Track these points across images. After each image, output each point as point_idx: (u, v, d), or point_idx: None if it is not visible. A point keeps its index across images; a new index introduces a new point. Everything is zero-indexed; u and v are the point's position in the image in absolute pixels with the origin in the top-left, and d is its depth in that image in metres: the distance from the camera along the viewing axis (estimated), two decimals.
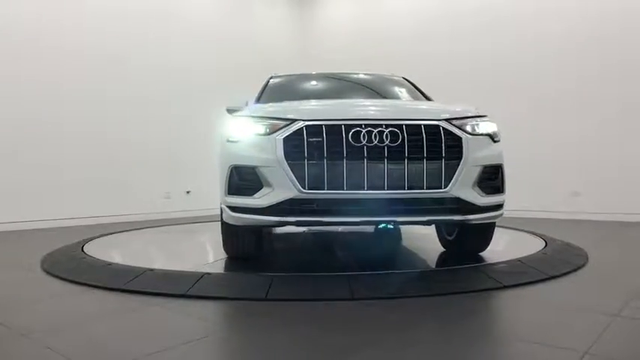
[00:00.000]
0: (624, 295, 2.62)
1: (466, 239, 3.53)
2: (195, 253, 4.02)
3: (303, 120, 2.84)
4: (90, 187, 6.36)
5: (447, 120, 2.89)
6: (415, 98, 4.10)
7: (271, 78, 4.64)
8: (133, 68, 6.98)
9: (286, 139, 2.81)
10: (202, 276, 2.88)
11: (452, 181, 2.79)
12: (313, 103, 3.58)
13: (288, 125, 2.85)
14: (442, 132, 2.83)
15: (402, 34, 8.30)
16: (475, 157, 2.88)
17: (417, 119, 2.87)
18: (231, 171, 2.96)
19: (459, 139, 2.85)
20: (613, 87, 6.48)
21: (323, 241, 4.62)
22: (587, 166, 6.63)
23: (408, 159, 2.76)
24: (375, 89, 4.31)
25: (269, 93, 4.22)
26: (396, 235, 4.85)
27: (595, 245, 4.22)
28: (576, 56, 6.76)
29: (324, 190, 2.76)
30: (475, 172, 2.87)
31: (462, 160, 2.82)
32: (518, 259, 3.31)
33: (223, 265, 3.45)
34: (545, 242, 4.06)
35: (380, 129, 2.77)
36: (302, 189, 2.76)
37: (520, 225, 5.43)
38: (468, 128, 2.94)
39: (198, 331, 2.11)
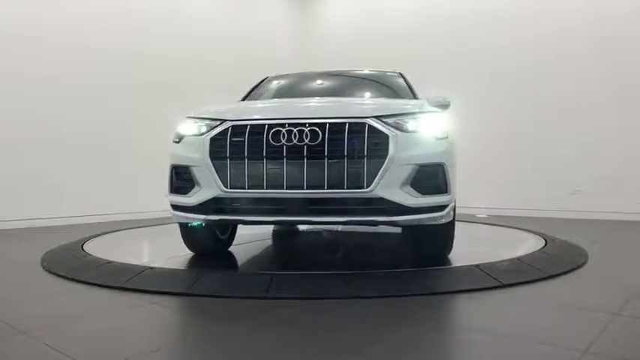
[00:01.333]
0: (624, 294, 2.62)
1: (420, 241, 3.34)
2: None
3: (230, 120, 2.91)
4: (91, 185, 6.36)
5: (376, 117, 2.78)
6: (398, 96, 3.97)
7: (265, 79, 4.69)
8: (132, 68, 6.97)
9: (212, 140, 2.88)
10: (199, 275, 2.88)
11: (375, 180, 2.67)
12: (259, 104, 3.55)
13: (217, 126, 2.92)
14: (367, 130, 2.72)
15: (401, 34, 8.29)
16: (406, 155, 2.72)
17: (341, 117, 2.79)
18: (171, 170, 3.09)
19: (386, 136, 2.71)
20: (612, 87, 6.48)
21: (330, 241, 4.62)
22: (587, 165, 6.63)
23: (328, 158, 2.70)
24: (356, 87, 4.30)
25: (257, 93, 4.33)
26: (390, 234, 4.85)
27: (595, 244, 4.22)
28: (576, 56, 6.75)
29: (245, 189, 2.79)
30: (405, 172, 2.71)
31: (387, 159, 2.68)
32: (518, 258, 3.31)
33: (221, 264, 3.45)
34: (545, 241, 4.06)
35: (300, 128, 2.74)
36: (225, 188, 2.81)
37: (520, 224, 5.44)
38: (402, 125, 2.80)
39: (193, 330, 2.11)
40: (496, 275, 2.87)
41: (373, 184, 2.67)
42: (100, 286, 2.86)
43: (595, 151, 6.60)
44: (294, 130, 2.73)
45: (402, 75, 4.34)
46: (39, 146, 6.06)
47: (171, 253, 3.77)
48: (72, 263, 3.39)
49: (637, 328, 2.12)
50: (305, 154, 2.71)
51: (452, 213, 3.00)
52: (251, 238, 4.40)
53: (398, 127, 2.78)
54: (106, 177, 6.51)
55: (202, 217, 2.94)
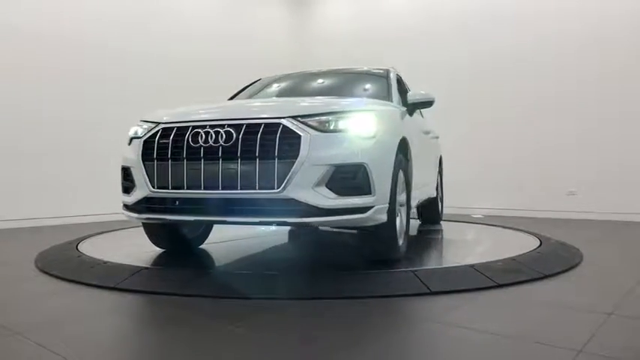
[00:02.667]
0: (618, 294, 2.63)
1: (361, 244, 3.26)
2: (192, 251, 4.00)
3: (162, 122, 3.02)
4: (87, 184, 6.34)
5: (293, 117, 2.75)
6: (372, 94, 3.92)
7: (258, 80, 4.76)
8: (131, 68, 6.96)
9: (145, 142, 3.01)
10: (193, 275, 2.87)
11: (285, 181, 2.64)
12: (197, 106, 3.45)
13: (152, 128, 3.04)
14: (280, 130, 2.70)
15: (400, 34, 8.31)
16: (320, 155, 2.66)
17: (258, 118, 2.80)
18: (120, 171, 3.23)
19: (298, 137, 2.68)
20: (612, 87, 6.51)
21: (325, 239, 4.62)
22: (584, 165, 6.66)
23: (241, 159, 2.72)
24: (336, 86, 4.29)
25: (243, 94, 4.44)
26: None
27: (590, 244, 4.24)
28: (576, 57, 6.79)
29: (169, 189, 2.89)
30: (319, 172, 2.65)
31: (298, 160, 2.64)
32: (513, 258, 3.32)
33: (220, 264, 3.45)
34: (540, 241, 4.07)
35: (217, 129, 2.80)
36: (152, 188, 2.93)
37: (515, 224, 5.46)
38: (321, 125, 2.74)
39: (188, 330, 2.10)
40: (491, 275, 2.87)
41: (283, 185, 2.65)
42: (94, 286, 2.85)
43: (591, 152, 6.63)
44: (211, 131, 2.80)
45: (388, 73, 4.23)
46: (36, 145, 6.03)
47: (166, 253, 3.77)
48: (66, 263, 3.37)
49: (631, 328, 2.13)
50: (220, 155, 2.76)
51: (383, 215, 2.85)
52: (247, 235, 4.41)
53: (315, 127, 2.73)
54: (102, 177, 6.48)
55: (136, 215, 3.10)
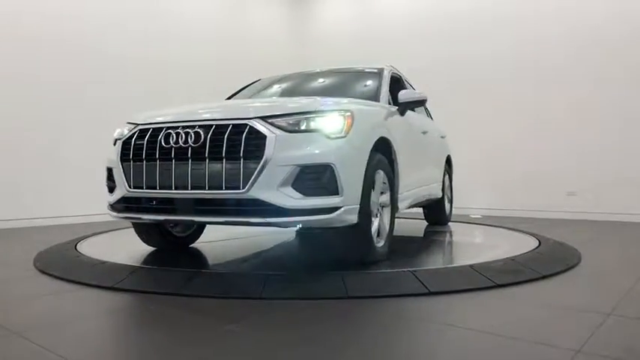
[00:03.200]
0: (617, 294, 2.63)
1: (335, 244, 3.21)
2: (190, 251, 4.00)
3: (140, 124, 3.10)
4: (86, 185, 6.33)
5: (261, 118, 2.77)
6: (359, 94, 3.91)
7: (257, 80, 4.79)
8: (131, 68, 6.96)
9: (124, 143, 3.10)
10: (192, 275, 2.87)
11: (250, 182, 2.65)
12: (174, 108, 3.46)
13: (132, 129, 3.13)
14: (247, 131, 2.72)
15: (399, 34, 8.32)
16: (286, 156, 2.66)
17: (227, 119, 2.83)
18: (106, 171, 3.31)
19: (264, 137, 2.68)
20: (611, 89, 6.52)
21: None
22: (583, 166, 6.67)
23: (209, 159, 2.76)
24: (329, 87, 4.32)
25: (240, 95, 4.50)
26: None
27: (589, 245, 4.24)
28: (575, 58, 6.79)
29: (143, 189, 2.97)
30: (284, 173, 2.65)
31: (263, 160, 2.65)
32: (512, 258, 3.32)
33: (219, 264, 3.45)
34: (539, 241, 4.07)
35: (187, 130, 2.84)
36: (129, 188, 3.03)
37: (514, 224, 5.46)
38: (288, 125, 2.75)
39: (186, 330, 2.10)
40: (490, 275, 2.87)
41: (248, 185, 2.66)
42: (93, 286, 2.84)
43: (590, 152, 6.64)
44: (182, 132, 2.85)
45: (381, 72, 4.18)
46: (35, 144, 6.03)
47: (165, 253, 3.77)
48: (65, 263, 3.37)
49: (630, 329, 2.13)
50: (189, 155, 2.80)
51: (353, 216, 2.81)
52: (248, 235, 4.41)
53: (283, 128, 2.74)
54: (101, 177, 6.46)
55: (115, 214, 3.22)
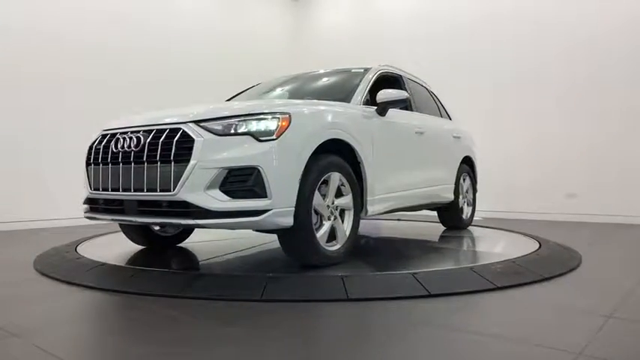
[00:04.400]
0: (618, 297, 2.63)
1: (282, 247, 3.17)
2: (190, 252, 4.01)
3: (104, 130, 3.32)
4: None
5: (195, 122, 2.85)
6: (335, 97, 3.83)
7: (258, 84, 4.82)
8: (130, 68, 6.97)
9: (89, 147, 3.33)
10: (192, 277, 2.87)
11: (179, 184, 2.73)
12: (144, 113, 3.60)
13: (99, 134, 3.34)
14: (180, 135, 2.81)
15: (399, 34, 8.33)
16: (214, 158, 2.73)
17: (164, 123, 2.94)
18: None
19: (192, 140, 2.77)
20: (612, 90, 6.52)
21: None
22: (584, 168, 6.67)
23: (147, 162, 2.89)
24: (314, 89, 4.32)
25: (237, 98, 4.55)
26: (385, 237, 4.86)
27: (589, 246, 4.24)
28: (576, 59, 6.79)
29: (100, 191, 3.18)
30: (210, 175, 2.72)
31: (190, 163, 2.73)
32: (512, 260, 3.32)
33: (219, 265, 3.44)
34: (540, 244, 4.07)
35: (131, 135, 3.01)
36: (90, 190, 3.28)
37: (514, 226, 5.45)
38: (220, 129, 2.81)
39: (187, 332, 2.10)
40: (490, 277, 2.87)
41: (177, 187, 2.74)
42: (93, 288, 2.84)
43: (592, 153, 6.64)
44: (127, 137, 3.02)
45: (365, 72, 4.12)
46: (36, 148, 6.04)
47: (165, 255, 3.77)
48: (65, 265, 3.37)
49: (631, 331, 2.13)
50: (132, 159, 2.97)
51: (285, 219, 2.81)
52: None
53: (214, 131, 2.80)
54: None
55: (83, 214, 3.41)
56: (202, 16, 8.10)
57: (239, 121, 2.83)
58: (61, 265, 3.38)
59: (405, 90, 4.47)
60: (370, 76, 4.06)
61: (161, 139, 2.86)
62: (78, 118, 6.35)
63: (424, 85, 5.25)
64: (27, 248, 4.28)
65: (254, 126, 2.82)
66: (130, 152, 2.96)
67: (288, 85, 4.53)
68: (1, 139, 5.81)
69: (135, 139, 2.96)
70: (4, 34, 5.88)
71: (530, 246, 3.98)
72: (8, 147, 5.85)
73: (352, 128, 3.38)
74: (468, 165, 5.48)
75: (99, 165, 3.18)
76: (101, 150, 3.17)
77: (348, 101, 3.68)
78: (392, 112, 3.92)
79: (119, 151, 3.03)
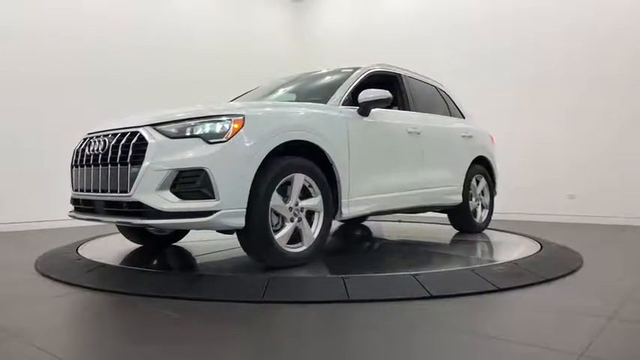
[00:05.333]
0: (619, 298, 2.62)
1: (242, 246, 3.19)
2: (191, 253, 4.01)
3: (88, 133, 3.43)
4: None
5: (151, 125, 2.94)
6: (313, 98, 3.86)
7: (256, 87, 4.82)
8: (131, 68, 6.99)
9: (75, 149, 3.46)
10: (195, 278, 2.87)
11: (134, 185, 2.84)
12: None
13: (82, 138, 3.48)
14: (137, 138, 2.92)
15: (401, 34, 8.33)
16: (165, 161, 2.81)
17: (125, 127, 3.06)
18: None
19: (146, 143, 2.87)
20: (613, 91, 6.51)
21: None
22: (585, 169, 6.66)
23: (110, 164, 3.02)
24: (303, 90, 4.32)
25: (238, 99, 4.58)
26: (389, 238, 4.84)
27: (590, 248, 4.24)
28: (577, 59, 6.79)
29: (78, 191, 3.34)
30: (161, 177, 2.80)
31: (143, 165, 2.83)
32: (514, 262, 3.31)
33: (219, 266, 3.44)
34: (541, 245, 4.06)
35: (100, 138, 3.17)
36: (72, 191, 3.43)
37: (516, 228, 5.44)
38: (174, 131, 2.89)
39: (187, 333, 2.10)
40: (492, 279, 2.87)
41: (132, 188, 2.85)
42: (93, 289, 2.84)
43: (593, 154, 6.63)
44: (97, 140, 3.18)
45: (350, 73, 4.06)
46: (36, 148, 6.05)
47: (166, 256, 3.77)
48: (66, 266, 3.37)
49: (632, 332, 2.12)
50: (99, 161, 3.11)
51: (236, 220, 2.83)
52: None
53: (167, 134, 2.88)
54: None
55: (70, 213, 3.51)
56: (202, 16, 8.13)
57: (192, 124, 2.90)
58: (62, 266, 3.38)
59: (403, 89, 4.41)
60: (355, 77, 3.96)
61: (121, 143, 2.98)
62: (78, 118, 6.35)
63: (432, 83, 5.09)
64: (28, 249, 4.28)
65: (205, 128, 2.88)
66: (98, 155, 3.11)
67: (283, 87, 4.52)
68: (2, 139, 5.82)
69: (102, 143, 3.12)
70: (4, 35, 5.89)
71: (531, 247, 3.97)
72: (9, 148, 5.87)
73: (322, 129, 3.34)
74: (483, 165, 5.26)
75: (78, 167, 3.33)
76: (80, 153, 3.34)
77: (326, 102, 3.65)
78: (378, 113, 3.85)
79: (91, 154, 3.19)
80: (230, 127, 2.87)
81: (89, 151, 3.21)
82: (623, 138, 6.43)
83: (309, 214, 3.29)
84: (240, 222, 2.87)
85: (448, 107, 5.16)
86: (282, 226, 3.12)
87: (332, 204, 3.40)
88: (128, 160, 2.90)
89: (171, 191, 2.81)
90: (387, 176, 3.91)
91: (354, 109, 3.70)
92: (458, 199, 4.82)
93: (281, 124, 3.11)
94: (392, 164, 4.00)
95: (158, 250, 4.04)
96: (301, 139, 3.19)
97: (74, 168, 3.40)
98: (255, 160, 2.91)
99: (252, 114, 3.00)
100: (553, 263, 3.44)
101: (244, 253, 3.16)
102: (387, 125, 3.98)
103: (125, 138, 2.98)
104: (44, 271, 3.31)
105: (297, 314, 2.40)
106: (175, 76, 7.40)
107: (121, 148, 2.96)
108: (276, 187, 3.02)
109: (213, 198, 2.78)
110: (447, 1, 7.99)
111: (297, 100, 4.05)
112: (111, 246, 4.41)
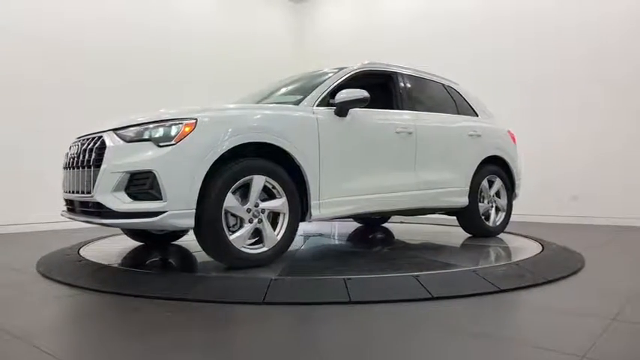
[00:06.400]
0: (621, 299, 2.62)
1: (200, 246, 3.23)
2: (192, 254, 4.01)
3: (77, 137, 3.53)
4: None
5: (113, 130, 3.11)
6: (288, 99, 3.90)
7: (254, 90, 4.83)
8: (132, 68, 7.00)
9: (66, 153, 3.59)
10: (196, 279, 2.87)
11: (95, 186, 3.02)
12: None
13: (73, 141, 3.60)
14: (100, 142, 3.12)
15: (402, 33, 8.34)
16: (119, 163, 2.97)
17: (93, 132, 3.27)
18: None
19: (104, 147, 3.05)
20: (615, 92, 6.50)
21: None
22: (587, 170, 6.65)
23: (81, 167, 3.21)
24: (292, 90, 4.30)
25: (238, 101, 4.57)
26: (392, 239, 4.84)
27: (592, 249, 4.23)
28: (578, 60, 6.78)
29: (64, 192, 3.50)
30: (115, 179, 2.95)
31: (102, 168, 3.00)
32: (516, 263, 3.31)
33: (218, 267, 3.44)
34: (543, 246, 4.06)
35: (77, 142, 3.38)
36: (62, 191, 3.54)
37: (517, 229, 5.43)
38: (131, 136, 3.03)
39: (190, 334, 2.10)
40: (493, 280, 2.87)
41: (93, 190, 3.02)
42: (95, 290, 2.85)
43: (594, 155, 6.62)
44: (76, 144, 3.38)
45: (326, 73, 4.04)
46: (38, 150, 6.05)
47: (168, 257, 3.77)
48: (68, 268, 3.37)
49: (634, 334, 2.12)
50: (75, 164, 3.29)
51: (184, 220, 2.91)
52: None
53: (125, 138, 3.05)
54: None
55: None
56: (202, 17, 8.13)
57: (146, 128, 3.02)
58: (64, 268, 3.39)
59: (397, 87, 4.29)
60: (336, 77, 3.89)
61: (89, 147, 3.18)
62: (78, 119, 6.34)
63: (439, 80, 4.93)
64: (30, 250, 4.29)
65: (156, 132, 3.00)
66: (74, 158, 3.32)
67: (279, 88, 4.46)
68: (3, 141, 5.83)
69: (77, 147, 3.32)
70: (4, 35, 5.90)
71: (533, 248, 3.97)
72: (10, 149, 5.87)
73: (286, 131, 3.33)
74: (498, 165, 4.93)
75: (64, 169, 3.53)
76: (65, 156, 3.56)
77: (297, 104, 3.62)
78: (359, 113, 3.78)
79: (71, 157, 3.40)
80: (180, 130, 2.97)
81: (70, 154, 3.43)
82: (625, 139, 6.43)
83: (276, 216, 3.31)
84: (189, 223, 2.95)
85: (456, 105, 4.92)
86: (241, 227, 3.15)
87: (299, 205, 3.40)
88: (92, 163, 3.09)
89: (125, 192, 2.96)
90: (368, 177, 3.82)
91: (330, 110, 3.64)
92: (462, 201, 4.57)
93: (235, 127, 3.13)
94: (374, 165, 3.89)
95: (159, 249, 4.04)
96: (260, 140, 3.21)
97: (63, 170, 3.59)
98: (204, 162, 2.98)
99: (205, 117, 3.06)
100: (555, 264, 3.44)
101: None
102: (368, 125, 3.88)
103: (92, 142, 3.17)
104: (46, 273, 3.32)
105: (298, 316, 2.40)
106: (175, 78, 7.41)
107: (88, 151, 3.16)
108: (232, 189, 3.07)
109: (161, 199, 2.89)
110: (448, 0, 7.99)
111: (282, 102, 3.95)
112: (112, 247, 4.41)
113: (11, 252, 4.55)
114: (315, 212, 3.48)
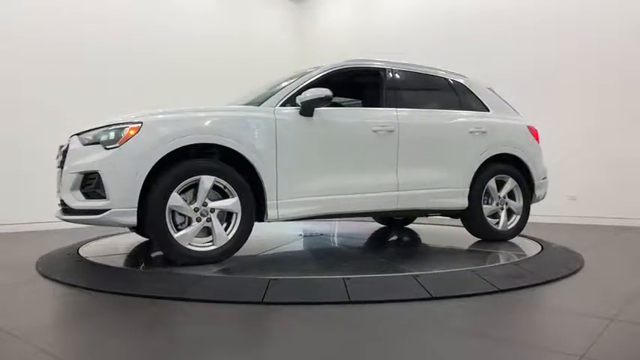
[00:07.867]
0: (620, 299, 2.62)
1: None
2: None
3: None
4: None
5: (77, 134, 3.35)
6: (252, 101, 3.88)
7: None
8: (131, 68, 6.99)
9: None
10: (195, 279, 2.88)
11: (59, 186, 3.31)
12: None
13: None
14: (67, 145, 3.35)
15: (401, 33, 8.33)
16: (74, 165, 3.22)
17: (72, 135, 3.42)
18: None
19: (67, 150, 3.31)
20: (613, 93, 6.50)
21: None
22: (586, 170, 6.65)
23: (59, 168, 3.44)
24: (267, 93, 4.18)
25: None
26: (393, 239, 4.83)
27: (591, 249, 4.23)
28: (577, 60, 6.78)
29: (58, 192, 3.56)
30: (71, 179, 3.21)
31: (64, 168, 3.26)
32: (514, 263, 3.31)
33: (221, 267, 3.44)
34: (542, 246, 4.06)
35: (62, 145, 3.53)
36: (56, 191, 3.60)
37: None
38: (89, 139, 3.25)
39: (189, 334, 2.10)
40: (493, 280, 2.87)
41: (60, 189, 3.29)
42: (95, 290, 2.85)
43: (593, 155, 6.62)
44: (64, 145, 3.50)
45: (303, 73, 3.98)
46: (37, 149, 6.04)
47: (166, 258, 3.76)
48: (67, 267, 3.38)
49: (634, 333, 2.12)
50: (58, 165, 3.49)
51: (127, 218, 3.09)
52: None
53: (84, 141, 3.26)
54: None
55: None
56: (202, 17, 8.13)
57: (99, 132, 3.23)
58: (63, 267, 3.39)
59: (384, 84, 4.13)
60: (307, 77, 3.81)
61: (62, 149, 3.42)
62: (78, 119, 6.33)
63: (441, 75, 4.64)
64: (30, 250, 4.29)
65: (105, 136, 3.20)
66: (58, 159, 3.54)
67: (265, 89, 4.28)
68: (2, 140, 5.82)
69: (60, 148, 3.54)
70: (4, 36, 5.90)
71: (532, 248, 3.97)
72: (9, 148, 5.87)
73: (238, 132, 3.36)
74: (511, 164, 4.55)
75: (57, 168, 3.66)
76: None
77: (259, 105, 3.61)
78: (328, 112, 3.70)
79: (57, 158, 3.60)
80: (125, 133, 3.15)
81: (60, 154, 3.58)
82: (623, 139, 6.42)
83: (230, 215, 3.38)
84: (132, 220, 3.11)
85: (459, 100, 4.57)
86: (188, 225, 3.26)
87: (253, 205, 3.43)
88: (62, 165, 3.32)
89: (80, 191, 3.21)
90: (336, 177, 3.71)
91: (295, 110, 3.60)
92: (460, 202, 4.24)
93: (180, 129, 3.23)
94: (342, 165, 3.77)
95: (157, 251, 4.03)
96: (208, 142, 3.28)
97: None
98: (147, 162, 3.12)
99: (150, 121, 3.22)
100: (554, 264, 3.44)
101: (244, 254, 3.17)
102: (337, 125, 3.77)
103: (65, 145, 3.42)
104: (45, 272, 3.32)
105: (297, 315, 2.40)
106: (175, 77, 7.41)
107: (62, 154, 3.41)
108: (177, 189, 3.19)
109: (105, 198, 3.10)
110: (448, 1, 7.99)
111: (258, 103, 3.79)
112: (112, 247, 4.41)
113: (11, 251, 4.55)
114: (272, 212, 3.46)
